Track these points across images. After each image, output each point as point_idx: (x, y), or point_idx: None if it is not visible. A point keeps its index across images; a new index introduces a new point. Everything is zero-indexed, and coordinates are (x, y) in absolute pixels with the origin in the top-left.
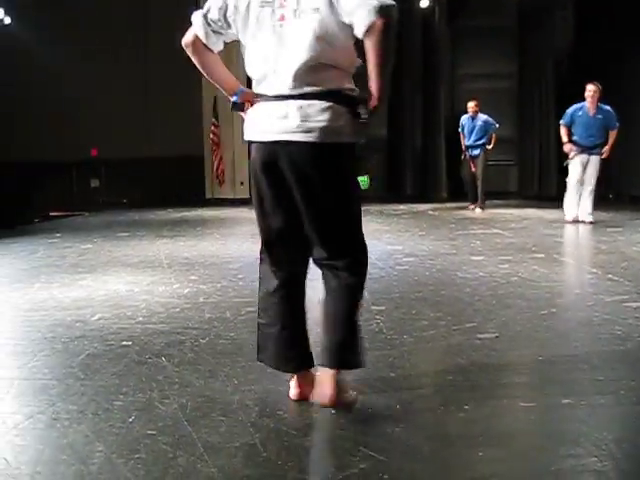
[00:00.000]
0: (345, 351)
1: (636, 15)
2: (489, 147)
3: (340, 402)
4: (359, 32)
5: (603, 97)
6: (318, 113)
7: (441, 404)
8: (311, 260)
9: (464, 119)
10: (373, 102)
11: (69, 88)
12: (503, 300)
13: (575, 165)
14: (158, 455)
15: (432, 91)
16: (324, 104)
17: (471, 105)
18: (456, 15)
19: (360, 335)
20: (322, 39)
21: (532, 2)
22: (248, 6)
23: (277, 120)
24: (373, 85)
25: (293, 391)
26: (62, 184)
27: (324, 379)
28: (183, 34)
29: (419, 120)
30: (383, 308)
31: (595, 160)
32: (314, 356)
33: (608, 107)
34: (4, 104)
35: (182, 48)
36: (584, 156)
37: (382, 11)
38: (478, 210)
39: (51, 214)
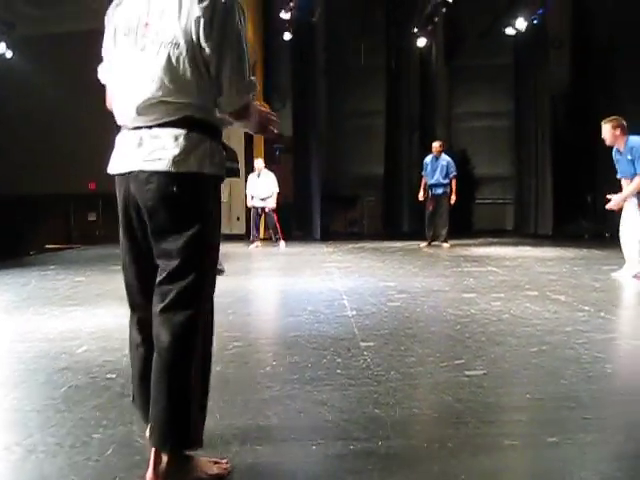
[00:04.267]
0: (167, 426)
1: (631, 52)
2: (452, 197)
3: None
4: (222, 108)
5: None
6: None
7: (425, 441)
8: None
9: (427, 159)
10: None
11: (67, 121)
12: (493, 337)
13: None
14: None
15: (429, 129)
16: (176, 131)
17: (435, 145)
18: (453, 54)
19: (193, 405)
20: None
21: (528, 41)
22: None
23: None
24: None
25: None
26: (60, 217)
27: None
28: None
29: (417, 157)
30: (372, 344)
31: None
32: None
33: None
34: (3, 137)
35: None
36: None
37: (248, 91)
38: (445, 245)
39: (47, 247)
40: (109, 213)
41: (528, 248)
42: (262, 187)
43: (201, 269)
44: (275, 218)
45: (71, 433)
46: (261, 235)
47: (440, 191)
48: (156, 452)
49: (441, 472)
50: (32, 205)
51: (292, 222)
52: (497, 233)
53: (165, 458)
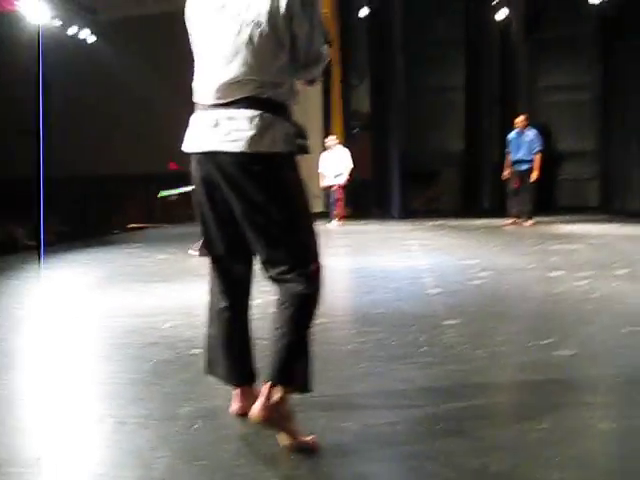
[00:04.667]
0: (286, 366)
1: None
2: (534, 174)
3: (267, 420)
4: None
5: None
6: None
7: (516, 423)
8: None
9: (511, 135)
10: None
11: (149, 104)
12: (582, 317)
13: None
14: (221, 463)
15: (510, 103)
16: (250, 113)
17: (519, 120)
18: (534, 26)
19: (308, 355)
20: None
21: (614, 6)
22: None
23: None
24: None
25: (233, 406)
26: (141, 197)
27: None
28: None
29: (497, 132)
30: (456, 322)
31: None
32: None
33: None
34: (86, 120)
35: None
36: None
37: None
38: (529, 222)
39: (130, 226)
40: (189, 192)
41: (615, 225)
42: (335, 164)
43: (300, 231)
44: (339, 195)
45: (160, 406)
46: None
47: (524, 167)
48: (270, 389)
49: (532, 456)
50: (115, 186)
51: (371, 200)
52: (581, 210)
53: (275, 396)
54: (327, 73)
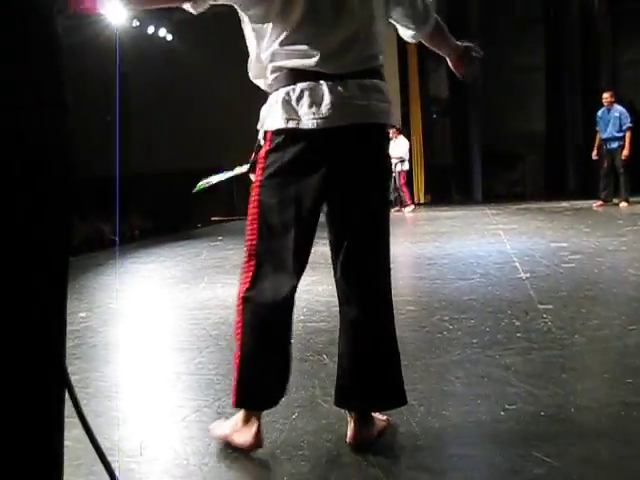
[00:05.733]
0: (390, 387)
1: None
2: (625, 152)
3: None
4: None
5: None
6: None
7: (618, 408)
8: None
9: (599, 112)
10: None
11: (228, 99)
12: None
13: None
14: (322, 453)
15: (593, 80)
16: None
17: (606, 96)
18: None
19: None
20: None
21: None
22: None
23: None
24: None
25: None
26: (222, 190)
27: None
28: None
29: (580, 111)
30: (551, 307)
31: None
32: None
33: None
34: (167, 117)
35: None
36: None
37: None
38: (624, 204)
39: (213, 219)
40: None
41: None
42: (397, 153)
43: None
44: (401, 183)
45: None
46: (416, 199)
47: (615, 145)
48: (363, 416)
49: (633, 441)
50: (197, 179)
51: (452, 185)
52: None
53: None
54: (404, 59)
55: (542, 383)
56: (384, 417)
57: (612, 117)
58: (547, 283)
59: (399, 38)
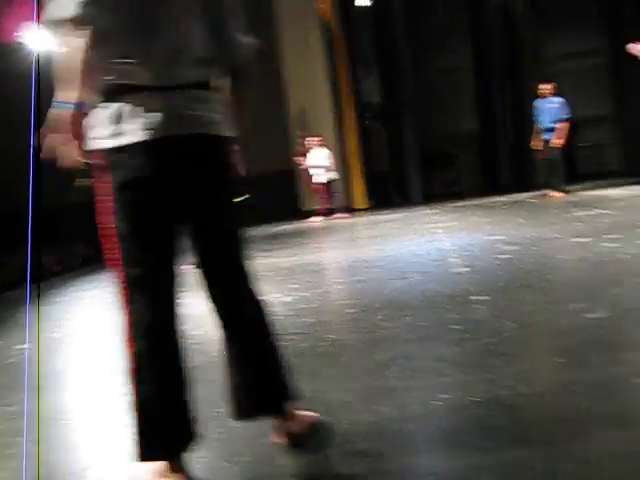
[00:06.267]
0: (285, 383)
1: None
2: (558, 141)
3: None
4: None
5: None
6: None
7: (553, 387)
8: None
9: (537, 103)
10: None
11: None
12: (611, 278)
13: None
14: (262, 457)
15: (518, 77)
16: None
17: (547, 87)
18: None
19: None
20: None
21: None
22: None
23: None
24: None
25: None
26: None
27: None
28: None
29: (509, 107)
30: (487, 298)
31: None
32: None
33: None
34: None
35: (264, 71)
36: None
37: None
38: (560, 194)
39: None
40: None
41: (636, 187)
42: (319, 162)
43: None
44: (327, 190)
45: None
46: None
47: (552, 136)
48: (280, 417)
49: (571, 419)
50: None
51: (391, 189)
52: (603, 176)
53: (284, 417)
54: (334, 65)
55: (474, 371)
56: (312, 415)
57: (551, 108)
58: (484, 275)
59: (328, 44)
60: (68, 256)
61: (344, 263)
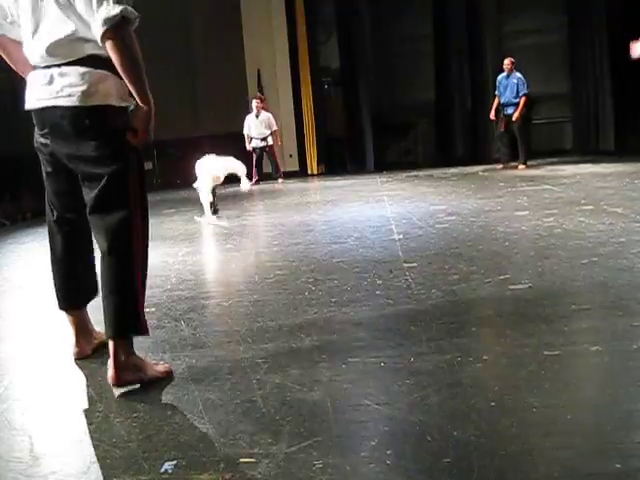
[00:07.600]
0: (121, 316)
1: None
2: (516, 115)
3: (122, 381)
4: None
5: None
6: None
7: (461, 356)
8: None
9: (499, 77)
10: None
11: None
12: (542, 251)
13: None
14: (155, 414)
15: (478, 50)
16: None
17: (506, 62)
18: None
19: (138, 299)
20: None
21: None
22: None
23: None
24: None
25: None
26: None
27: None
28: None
29: (467, 80)
30: (415, 265)
31: None
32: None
33: None
34: None
35: (223, 30)
36: None
37: (111, 28)
38: (522, 166)
39: None
40: (165, 162)
41: (588, 165)
42: (260, 127)
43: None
44: (274, 155)
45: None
46: (309, 170)
47: (511, 110)
48: (115, 348)
49: (474, 385)
50: None
51: (346, 155)
52: (556, 153)
53: (121, 353)
54: (292, 29)
55: (389, 335)
56: (164, 364)
57: (510, 83)
58: (417, 243)
59: (287, 8)
60: (15, 210)
61: (285, 227)
